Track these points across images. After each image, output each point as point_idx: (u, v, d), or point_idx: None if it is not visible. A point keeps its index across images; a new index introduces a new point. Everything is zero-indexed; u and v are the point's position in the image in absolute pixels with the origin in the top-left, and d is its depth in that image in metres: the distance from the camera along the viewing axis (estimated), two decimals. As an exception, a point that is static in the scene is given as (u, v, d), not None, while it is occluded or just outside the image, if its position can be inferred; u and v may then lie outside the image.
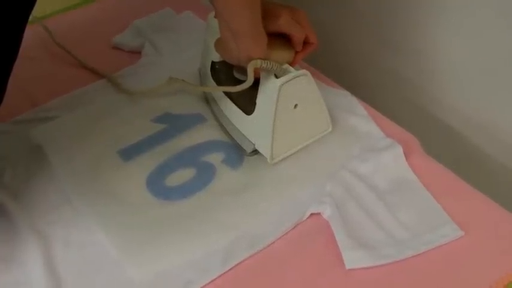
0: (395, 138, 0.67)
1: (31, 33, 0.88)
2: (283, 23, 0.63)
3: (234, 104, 0.68)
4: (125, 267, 0.56)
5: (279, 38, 0.64)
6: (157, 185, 0.64)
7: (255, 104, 0.63)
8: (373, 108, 0.73)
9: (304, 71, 0.62)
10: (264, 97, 0.62)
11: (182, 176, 0.65)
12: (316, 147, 0.67)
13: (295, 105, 0.62)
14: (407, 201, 0.61)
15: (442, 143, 0.79)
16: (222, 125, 0.70)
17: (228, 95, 0.69)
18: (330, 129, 0.68)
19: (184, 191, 0.63)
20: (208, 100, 0.74)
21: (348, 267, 0.55)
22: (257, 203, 0.62)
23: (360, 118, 0.71)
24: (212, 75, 0.72)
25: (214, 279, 0.55)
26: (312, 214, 0.60)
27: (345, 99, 0.74)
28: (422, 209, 0.60)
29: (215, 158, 0.67)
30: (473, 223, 0.58)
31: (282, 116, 0.61)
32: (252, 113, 0.64)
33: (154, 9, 0.92)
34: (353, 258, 0.55)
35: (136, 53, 0.85)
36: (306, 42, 0.66)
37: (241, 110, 0.66)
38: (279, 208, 0.61)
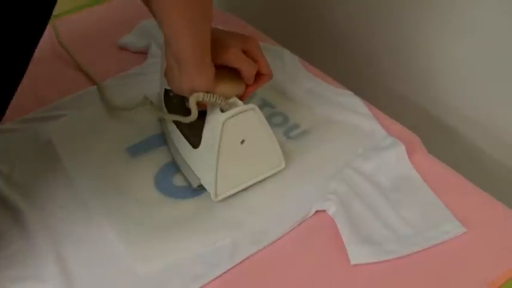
0: (398, 137, 0.67)
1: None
2: (232, 58, 0.59)
3: (182, 136, 0.64)
4: (132, 262, 0.57)
5: (231, 70, 0.60)
6: (165, 184, 0.65)
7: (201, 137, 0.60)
8: (376, 108, 0.74)
9: (251, 106, 0.58)
10: (209, 131, 0.59)
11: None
12: (320, 146, 0.68)
13: (242, 141, 0.59)
14: (410, 198, 0.61)
15: (443, 142, 0.80)
16: (173, 157, 0.67)
17: (179, 126, 0.65)
18: (283, 165, 0.64)
19: (192, 190, 0.63)
20: (164, 132, 0.70)
21: (352, 262, 0.56)
22: (263, 200, 0.62)
23: (363, 117, 0.71)
24: (165, 104, 0.68)
25: (221, 275, 0.56)
26: (317, 211, 0.61)
27: (349, 99, 0.75)
28: (425, 206, 0.61)
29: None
30: (474, 220, 0.59)
31: (226, 152, 0.58)
32: (198, 147, 0.61)
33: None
34: (358, 254, 0.56)
35: (142, 53, 0.86)
36: (259, 74, 0.62)
37: (189, 142, 0.63)
38: (285, 205, 0.62)
